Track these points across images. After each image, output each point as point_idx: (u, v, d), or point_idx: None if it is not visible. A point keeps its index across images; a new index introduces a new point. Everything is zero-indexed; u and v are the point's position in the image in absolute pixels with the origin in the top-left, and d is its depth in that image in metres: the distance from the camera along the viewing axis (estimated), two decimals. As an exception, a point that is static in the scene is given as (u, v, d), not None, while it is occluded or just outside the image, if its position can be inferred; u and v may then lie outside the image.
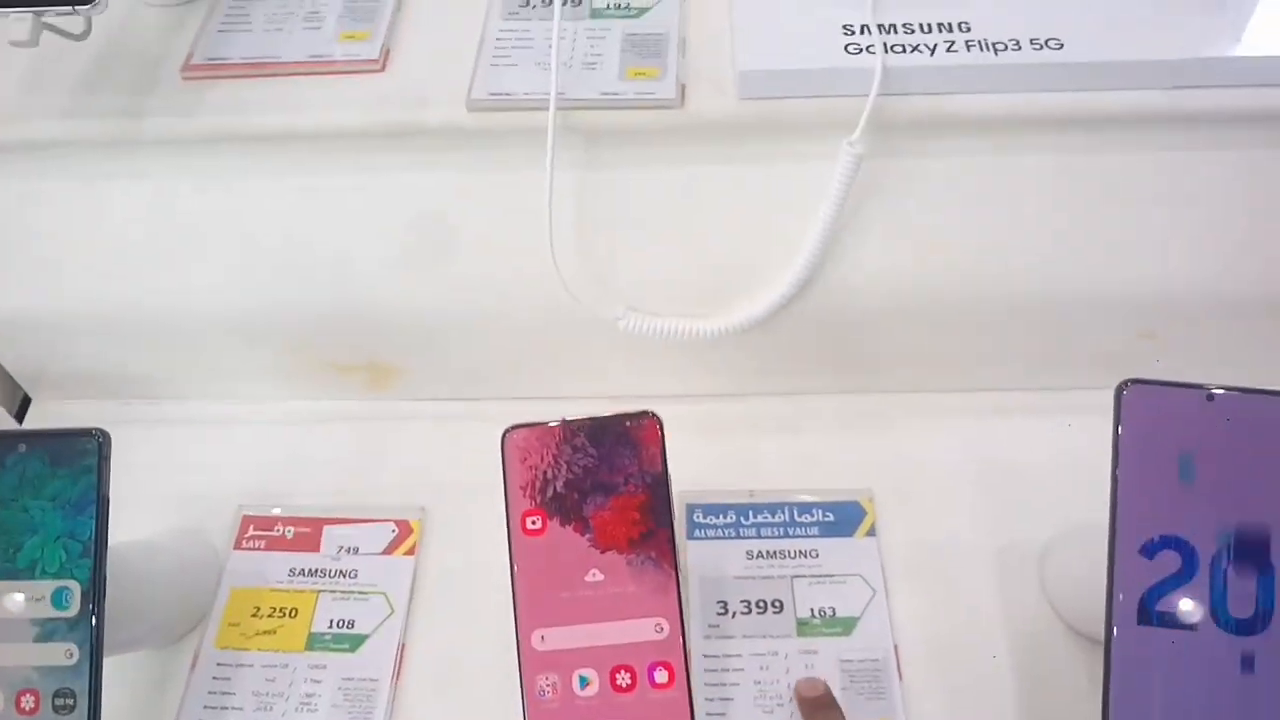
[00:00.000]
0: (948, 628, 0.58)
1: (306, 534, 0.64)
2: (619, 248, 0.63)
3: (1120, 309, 0.63)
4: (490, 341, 0.68)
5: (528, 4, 0.65)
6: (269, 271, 0.65)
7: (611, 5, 0.65)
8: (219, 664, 0.60)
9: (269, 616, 0.61)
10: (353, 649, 0.60)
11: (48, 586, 0.49)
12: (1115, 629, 0.43)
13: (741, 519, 0.63)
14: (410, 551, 0.64)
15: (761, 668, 0.57)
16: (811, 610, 0.59)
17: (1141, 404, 0.44)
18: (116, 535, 0.50)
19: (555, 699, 0.46)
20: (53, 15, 0.55)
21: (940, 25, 0.58)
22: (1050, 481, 0.63)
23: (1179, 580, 0.43)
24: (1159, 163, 0.59)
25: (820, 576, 0.60)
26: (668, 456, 0.47)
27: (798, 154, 0.60)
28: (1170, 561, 0.43)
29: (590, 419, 0.48)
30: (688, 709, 0.45)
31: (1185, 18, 0.57)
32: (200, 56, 0.64)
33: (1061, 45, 0.56)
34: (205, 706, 0.58)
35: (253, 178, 0.64)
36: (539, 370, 0.70)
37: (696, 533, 0.62)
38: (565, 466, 0.47)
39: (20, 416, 0.75)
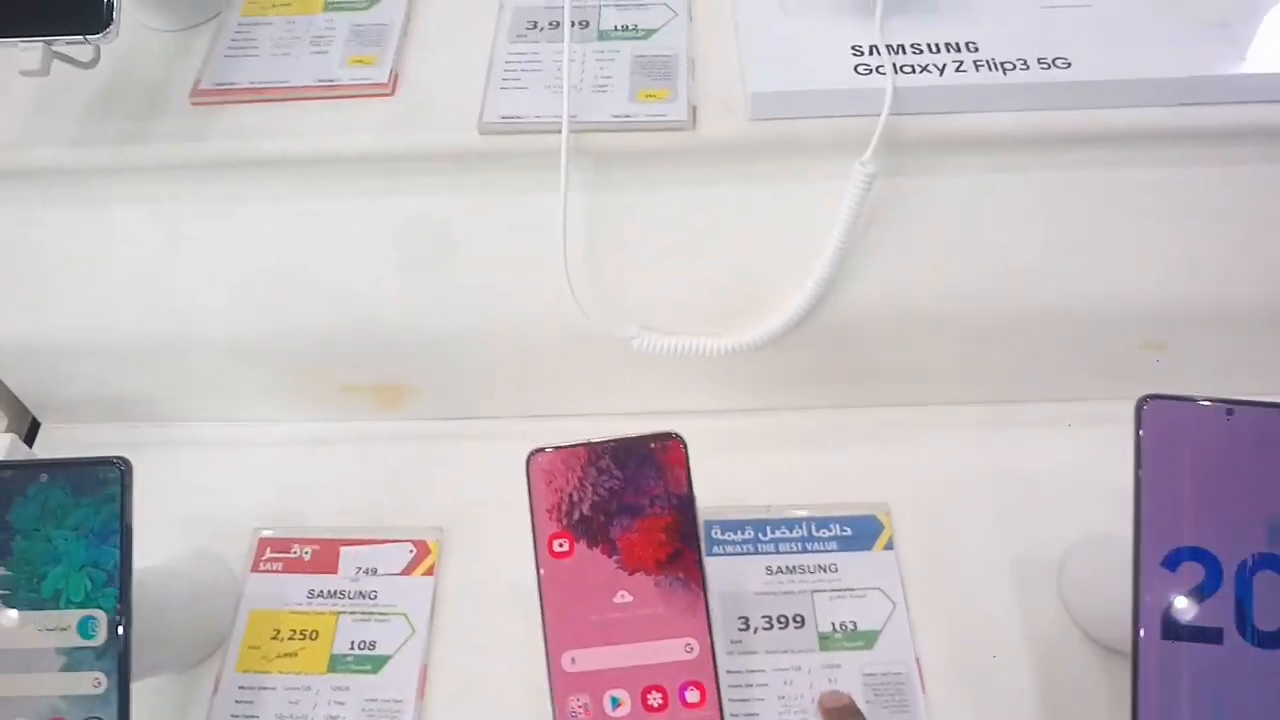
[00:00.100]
0: (967, 639, 0.59)
1: (324, 556, 0.64)
2: (632, 268, 0.63)
3: (1130, 321, 0.64)
4: (504, 361, 0.68)
5: (535, 26, 0.65)
6: (284, 295, 0.65)
7: (619, 27, 0.64)
8: (241, 687, 0.60)
9: (289, 639, 0.61)
10: (375, 670, 0.60)
11: (73, 616, 0.48)
12: (1142, 639, 0.44)
13: (759, 535, 0.63)
14: (429, 571, 0.64)
15: (785, 682, 0.58)
16: (833, 624, 0.60)
17: (1162, 419, 0.45)
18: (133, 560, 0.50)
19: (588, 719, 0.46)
20: (63, 44, 0.54)
21: (949, 45, 0.59)
22: (1065, 492, 0.64)
23: (1203, 591, 0.44)
24: (1165, 178, 0.60)
25: (840, 591, 0.61)
26: (692, 477, 0.47)
27: (809, 174, 0.60)
28: (1193, 573, 0.44)
29: (615, 441, 0.48)
30: None
31: (1189, 36, 0.58)
32: (209, 82, 0.63)
33: (1069, 64, 0.57)
34: (230, 730, 0.58)
35: (264, 202, 0.63)
36: (553, 389, 0.70)
37: (715, 549, 0.63)
38: (591, 489, 0.47)
39: (29, 440, 0.74)
